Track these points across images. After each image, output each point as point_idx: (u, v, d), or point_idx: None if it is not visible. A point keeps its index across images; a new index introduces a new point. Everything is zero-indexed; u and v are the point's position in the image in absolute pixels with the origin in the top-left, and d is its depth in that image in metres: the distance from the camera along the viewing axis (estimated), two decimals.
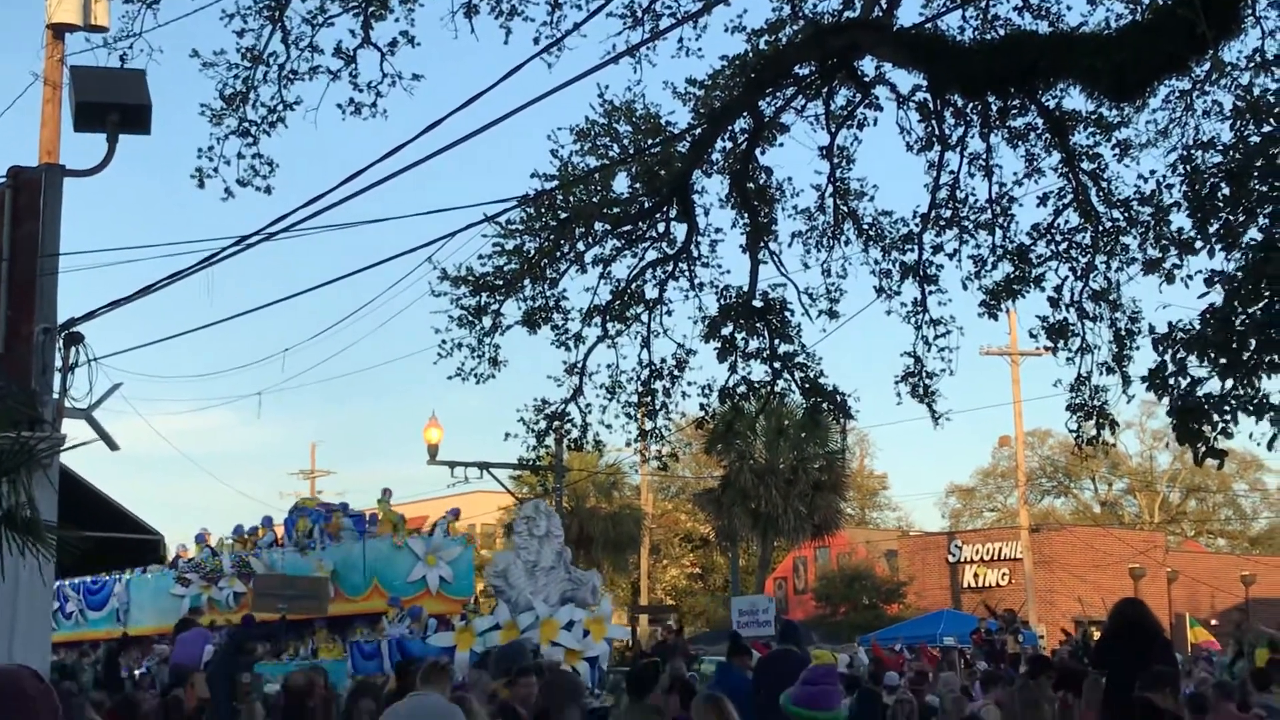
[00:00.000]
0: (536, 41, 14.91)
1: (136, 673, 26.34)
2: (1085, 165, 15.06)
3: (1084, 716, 10.91)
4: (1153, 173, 14.79)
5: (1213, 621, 45.80)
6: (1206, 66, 12.95)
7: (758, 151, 16.13)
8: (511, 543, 25.12)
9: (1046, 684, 11.89)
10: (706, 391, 16.74)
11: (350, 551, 29.25)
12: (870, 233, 16.39)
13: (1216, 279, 10.31)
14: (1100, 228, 15.04)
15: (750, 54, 15.59)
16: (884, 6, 14.42)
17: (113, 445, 11.93)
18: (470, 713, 9.89)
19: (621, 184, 16.85)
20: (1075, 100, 14.58)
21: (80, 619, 33.46)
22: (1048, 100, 14.44)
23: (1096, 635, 25.32)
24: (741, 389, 16.60)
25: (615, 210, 16.48)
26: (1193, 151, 13.54)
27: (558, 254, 16.55)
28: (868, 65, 15.33)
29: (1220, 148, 12.55)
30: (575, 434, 16.93)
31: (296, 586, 26.69)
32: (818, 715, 8.09)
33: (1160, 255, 14.32)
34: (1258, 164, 10.39)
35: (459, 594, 28.68)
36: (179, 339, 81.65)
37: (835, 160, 16.22)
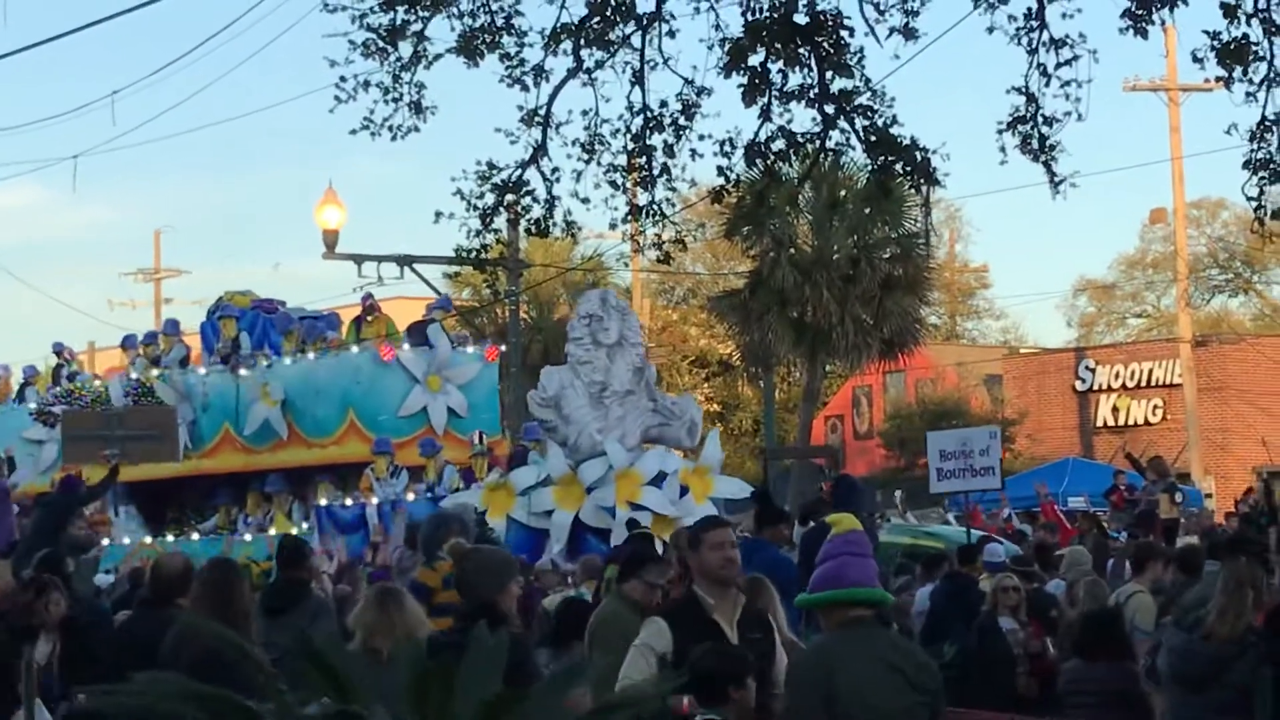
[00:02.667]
0: None
1: None
2: None
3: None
4: None
5: None
6: None
7: None
8: (566, 355, 24.27)
9: (1256, 566, 12.16)
10: (728, 149, 16.75)
11: (312, 371, 28.57)
12: None
13: None
14: None
15: None
16: None
17: None
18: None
19: None
20: None
21: None
22: None
23: None
24: (779, 144, 16.62)
25: None
26: None
27: None
28: None
29: None
30: (537, 212, 16.99)
31: (128, 422, 26.55)
32: (841, 596, 8.22)
33: None
34: None
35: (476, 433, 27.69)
36: None
37: None
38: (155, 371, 30.44)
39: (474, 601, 9.97)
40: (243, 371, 29.08)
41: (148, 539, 29.14)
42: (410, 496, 25.66)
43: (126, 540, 29.30)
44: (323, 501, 26.89)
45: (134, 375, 30.71)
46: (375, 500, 25.96)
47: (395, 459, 26.78)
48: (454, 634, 9.17)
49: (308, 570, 13.96)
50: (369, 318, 29.51)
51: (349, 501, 26.56)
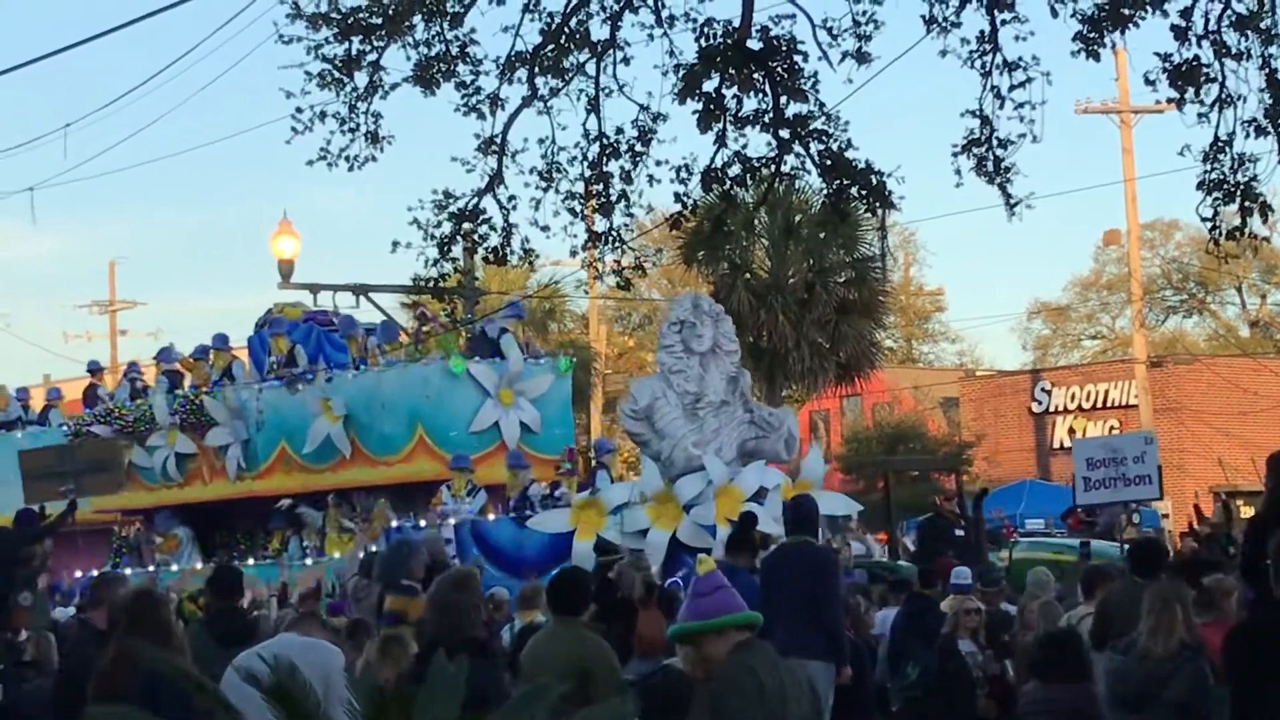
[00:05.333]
0: None
1: None
2: None
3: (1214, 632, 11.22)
4: None
5: None
6: None
7: None
8: (656, 364, 22.91)
9: (1182, 585, 12.23)
10: (684, 175, 16.80)
11: (377, 384, 27.05)
12: None
13: None
14: None
15: None
16: None
17: None
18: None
19: None
20: None
21: None
22: None
23: (1248, 513, 25.80)
24: (734, 169, 16.66)
25: None
26: None
27: None
28: None
29: None
30: (494, 240, 17.01)
31: (79, 456, 26.16)
32: (722, 622, 8.43)
33: None
34: None
35: (550, 449, 26.63)
36: None
37: None
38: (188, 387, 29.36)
39: (453, 631, 9.96)
40: (300, 387, 27.64)
41: (199, 564, 27.99)
42: (490, 516, 24.30)
43: (175, 567, 28.23)
44: (393, 523, 25.07)
45: (175, 393, 29.59)
46: (452, 521, 24.14)
47: (473, 473, 25.30)
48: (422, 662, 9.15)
49: (240, 599, 13.92)
50: (424, 328, 28.51)
51: (422, 523, 24.74)
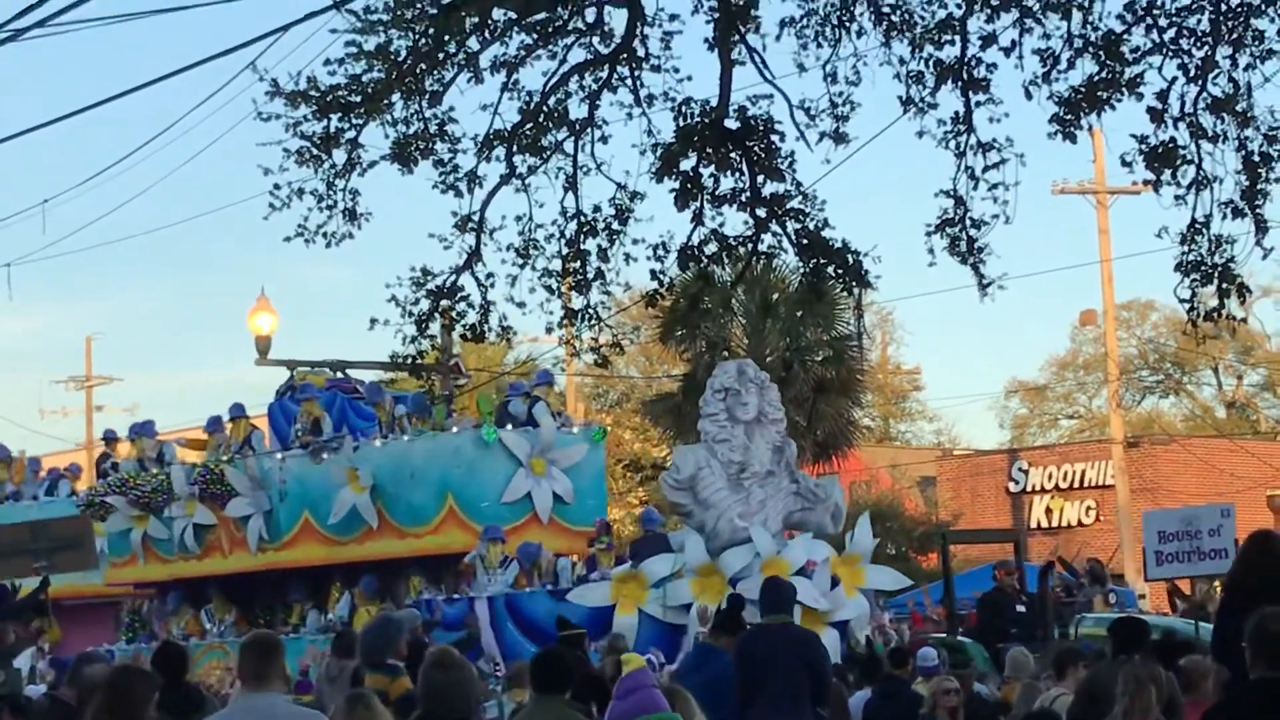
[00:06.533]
0: None
1: None
2: None
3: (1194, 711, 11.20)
4: None
5: None
6: None
7: None
8: (700, 432, 22.16)
9: (1155, 665, 12.20)
10: (661, 253, 16.83)
11: (405, 453, 26.15)
12: (893, 18, 16.44)
13: None
14: (1223, 6, 15.14)
15: None
16: None
17: None
18: None
19: None
20: None
21: None
22: None
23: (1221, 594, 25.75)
24: (711, 248, 16.69)
25: None
26: None
27: (441, 56, 16.52)
28: None
29: None
30: (472, 318, 17.02)
31: (50, 533, 25.68)
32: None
33: None
34: None
35: (583, 521, 25.85)
36: None
37: None
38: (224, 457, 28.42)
39: (447, 711, 9.90)
40: (325, 455, 26.70)
41: (217, 638, 27.60)
42: (527, 588, 23.57)
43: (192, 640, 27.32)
44: (423, 595, 24.52)
45: (194, 464, 28.82)
46: (486, 594, 23.49)
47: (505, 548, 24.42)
48: None
49: (185, 675, 13.79)
50: (459, 381, 27.99)
51: (455, 596, 24.09)
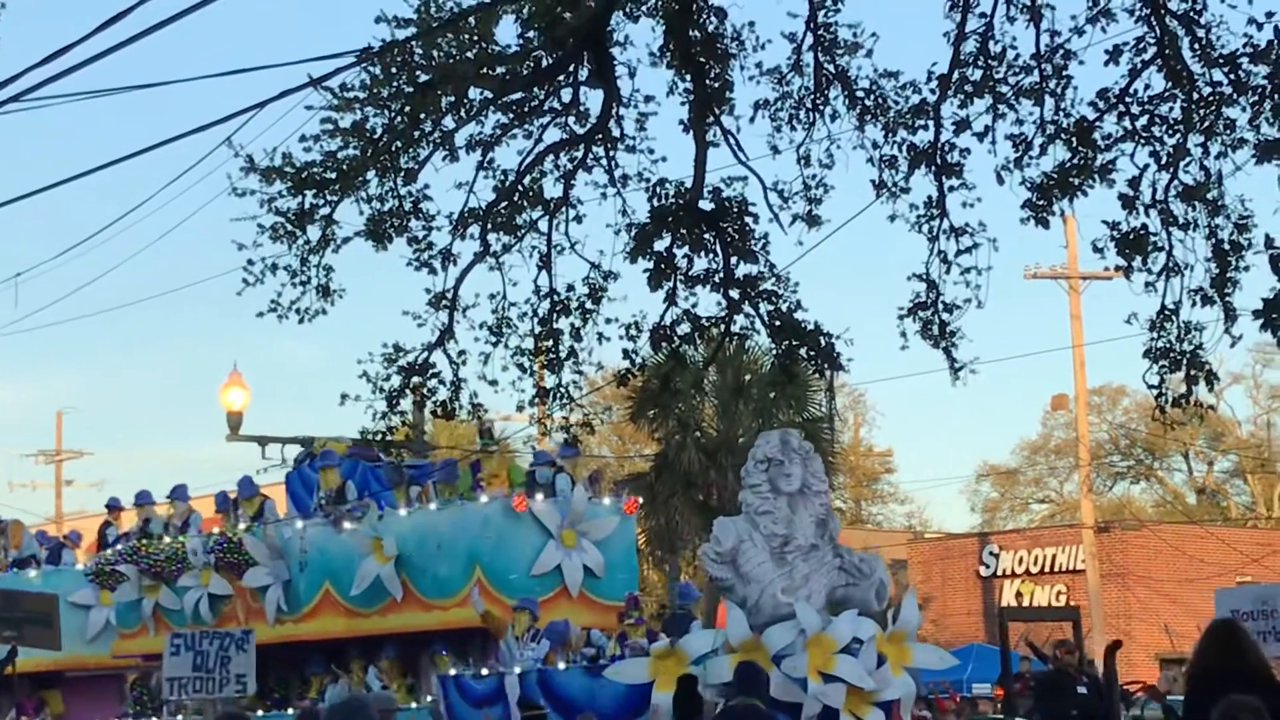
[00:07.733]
0: None
1: None
2: (1174, 4, 15.24)
3: None
4: (1270, 15, 14.99)
5: None
6: None
7: None
8: (740, 504, 21.31)
9: None
10: (634, 333, 16.85)
11: (432, 523, 25.34)
12: (867, 103, 16.52)
13: None
14: (1195, 95, 15.24)
15: None
16: None
17: None
18: None
19: (508, 31, 16.89)
20: None
21: None
22: None
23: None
24: (684, 328, 16.72)
25: (499, 70, 16.50)
26: None
27: (416, 134, 16.57)
28: None
29: None
30: (444, 395, 17.00)
31: (22, 606, 25.29)
32: None
33: None
34: None
35: (613, 595, 25.16)
36: None
37: None
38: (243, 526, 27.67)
39: None
40: (347, 525, 25.99)
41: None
42: (561, 665, 22.67)
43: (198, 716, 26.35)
44: (451, 671, 23.53)
45: (208, 533, 27.97)
46: (517, 669, 22.53)
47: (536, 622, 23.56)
48: None
49: None
50: (490, 444, 27.22)
51: (484, 671, 23.08)
